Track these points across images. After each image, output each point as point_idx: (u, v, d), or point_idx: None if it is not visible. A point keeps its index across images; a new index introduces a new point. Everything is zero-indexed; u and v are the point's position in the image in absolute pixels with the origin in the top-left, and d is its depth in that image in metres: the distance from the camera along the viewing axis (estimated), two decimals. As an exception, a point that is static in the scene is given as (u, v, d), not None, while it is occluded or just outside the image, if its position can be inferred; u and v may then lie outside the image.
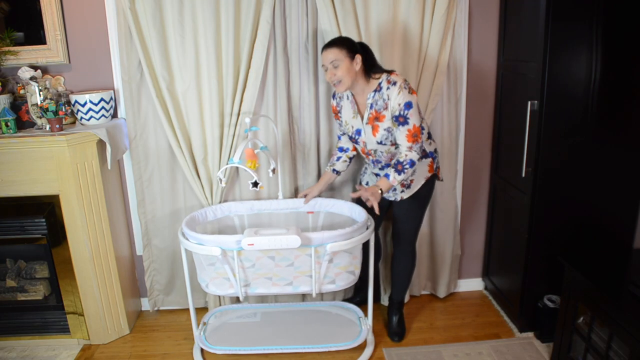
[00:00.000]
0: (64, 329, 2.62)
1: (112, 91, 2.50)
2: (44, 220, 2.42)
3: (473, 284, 3.05)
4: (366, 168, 2.50)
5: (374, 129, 2.20)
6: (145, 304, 2.94)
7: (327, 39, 2.39)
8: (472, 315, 2.79)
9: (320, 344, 2.41)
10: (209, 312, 2.71)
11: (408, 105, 2.09)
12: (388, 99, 2.12)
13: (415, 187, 2.32)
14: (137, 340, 2.67)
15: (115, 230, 2.60)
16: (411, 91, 2.12)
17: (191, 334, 2.58)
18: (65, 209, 2.39)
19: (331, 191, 2.70)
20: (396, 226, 2.46)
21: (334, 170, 2.49)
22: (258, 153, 2.42)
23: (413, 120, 2.11)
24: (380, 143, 2.22)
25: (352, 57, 2.12)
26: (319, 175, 2.67)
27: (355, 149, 2.46)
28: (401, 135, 2.14)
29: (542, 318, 2.46)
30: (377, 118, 2.18)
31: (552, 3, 2.09)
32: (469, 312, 2.83)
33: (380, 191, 2.16)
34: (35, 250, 2.61)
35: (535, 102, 2.23)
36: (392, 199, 2.37)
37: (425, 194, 2.38)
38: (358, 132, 2.28)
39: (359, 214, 2.41)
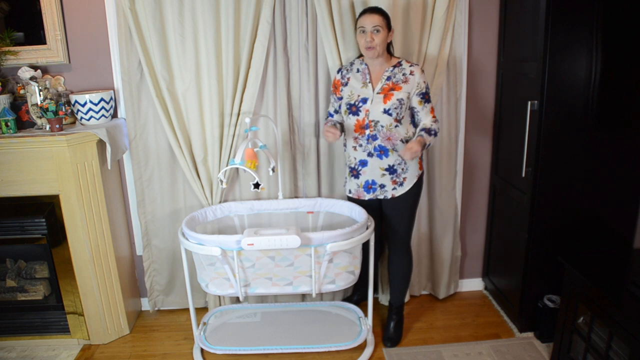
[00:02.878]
0: (64, 329, 2.62)
1: (112, 91, 2.50)
2: (44, 220, 2.42)
3: (473, 284, 3.05)
4: (346, 178, 2.45)
5: (387, 97, 2.22)
6: (145, 304, 2.94)
7: (326, 40, 2.40)
8: (472, 315, 2.79)
9: (320, 344, 2.41)
10: (209, 312, 2.71)
11: (429, 86, 2.30)
12: (410, 75, 2.23)
13: (408, 186, 2.32)
14: (137, 340, 2.67)
15: (115, 230, 2.60)
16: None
17: (191, 334, 2.58)
18: (65, 209, 2.39)
19: (330, 189, 2.70)
20: (388, 227, 2.44)
21: (341, 130, 2.34)
22: (257, 152, 2.42)
23: (432, 101, 2.32)
24: (386, 112, 2.21)
25: (389, 30, 2.22)
26: (319, 175, 2.66)
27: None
28: (427, 111, 2.28)
29: (542, 318, 2.46)
30: (393, 88, 2.23)
31: (553, 3, 2.09)
32: (469, 312, 2.83)
33: (422, 142, 2.18)
34: (35, 250, 2.62)
35: (535, 102, 2.23)
36: (381, 197, 2.36)
37: (415, 193, 2.38)
38: (364, 100, 2.26)
39: (359, 214, 2.41)
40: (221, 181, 2.33)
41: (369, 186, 2.36)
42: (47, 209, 2.40)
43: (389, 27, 2.20)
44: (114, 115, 2.58)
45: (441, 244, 2.82)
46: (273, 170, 2.43)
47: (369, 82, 2.27)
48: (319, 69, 2.52)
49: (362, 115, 2.26)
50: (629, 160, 2.21)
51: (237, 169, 2.59)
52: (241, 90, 2.46)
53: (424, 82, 2.25)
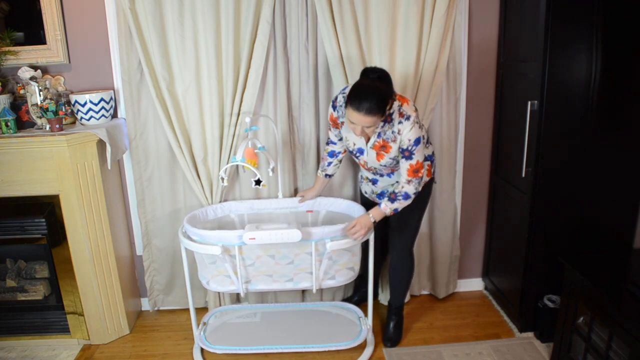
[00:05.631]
0: (64, 329, 2.62)
1: (112, 91, 2.50)
2: (44, 220, 2.42)
3: (473, 284, 3.05)
4: (362, 177, 2.48)
5: (379, 156, 2.17)
6: (145, 304, 2.94)
7: (327, 39, 2.40)
8: (472, 315, 2.79)
9: (320, 344, 2.41)
10: (209, 312, 2.71)
11: (417, 141, 2.06)
12: (399, 133, 2.06)
13: None
14: (137, 340, 2.67)
15: (115, 230, 2.60)
16: (421, 126, 2.10)
17: (191, 334, 2.58)
18: (65, 209, 2.39)
19: (330, 190, 2.70)
20: (392, 232, 2.44)
21: (326, 175, 2.49)
22: (257, 153, 2.42)
23: (417, 156, 2.08)
24: (383, 165, 2.21)
25: (384, 114, 2.01)
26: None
27: (346, 151, 2.43)
28: (403, 167, 2.12)
29: (542, 318, 2.46)
30: (384, 147, 2.13)
31: (553, 3, 2.09)
32: (469, 312, 2.83)
33: (372, 220, 2.17)
34: (35, 250, 2.61)
35: (535, 102, 2.23)
36: None
37: (421, 199, 2.35)
38: (360, 151, 2.23)
39: (358, 212, 2.42)
40: (222, 179, 2.33)
41: (382, 194, 2.38)
42: (47, 209, 2.40)
43: (382, 114, 1.97)
44: (114, 115, 2.58)
45: (441, 244, 2.82)
46: (272, 171, 2.44)
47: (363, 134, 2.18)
48: (319, 69, 2.52)
49: (360, 161, 2.29)
50: (629, 161, 2.21)
51: (237, 168, 2.59)
52: (241, 90, 2.45)
53: (409, 139, 2.04)
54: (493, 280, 2.91)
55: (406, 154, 2.08)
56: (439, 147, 2.64)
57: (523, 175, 2.37)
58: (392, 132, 2.08)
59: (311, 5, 2.42)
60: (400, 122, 2.05)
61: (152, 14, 2.33)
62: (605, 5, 2.09)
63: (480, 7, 2.57)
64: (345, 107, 2.01)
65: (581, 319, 2.08)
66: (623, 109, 2.20)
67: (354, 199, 2.67)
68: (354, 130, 2.05)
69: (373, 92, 1.94)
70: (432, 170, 2.34)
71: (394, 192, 2.15)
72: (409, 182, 2.12)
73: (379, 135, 2.13)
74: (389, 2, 2.37)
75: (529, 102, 2.26)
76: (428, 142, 2.33)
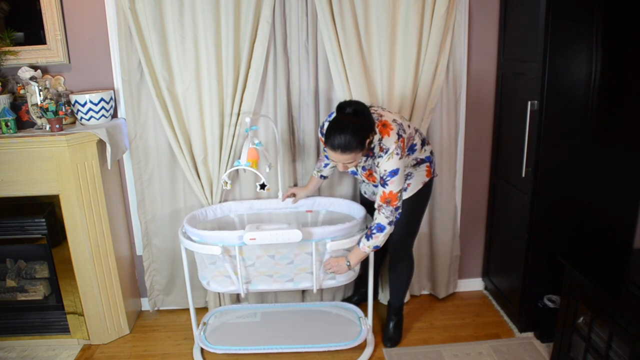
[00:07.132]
0: (64, 329, 2.62)
1: (112, 91, 2.50)
2: (44, 220, 2.42)
3: (473, 284, 3.05)
4: (362, 182, 2.49)
5: (372, 178, 2.20)
6: (145, 304, 2.94)
7: (327, 40, 2.40)
8: (472, 315, 2.79)
9: (320, 344, 2.41)
10: (209, 312, 2.71)
11: (393, 173, 2.03)
12: (377, 166, 2.07)
13: (412, 191, 2.29)
14: (137, 340, 2.67)
15: (115, 230, 2.60)
16: (402, 155, 2.04)
17: (191, 334, 2.58)
18: (65, 209, 2.39)
19: (330, 189, 2.70)
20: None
21: (321, 176, 2.49)
22: (257, 152, 2.42)
23: (391, 187, 2.04)
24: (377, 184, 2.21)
25: (363, 149, 1.99)
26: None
27: None
28: (379, 194, 2.09)
29: (542, 318, 2.46)
30: (371, 175, 2.19)
31: (552, 3, 2.09)
32: (469, 312, 2.83)
33: (347, 264, 2.18)
34: (35, 250, 2.61)
35: (535, 102, 2.23)
36: None
37: (419, 199, 2.34)
38: (353, 172, 2.28)
39: (358, 212, 2.42)
40: (226, 183, 2.33)
41: None
42: (47, 209, 2.40)
43: (361, 149, 1.96)
44: (114, 115, 2.58)
45: (441, 243, 2.82)
46: (270, 167, 2.44)
47: None
48: (319, 69, 2.52)
49: (358, 178, 2.32)
50: (629, 160, 2.21)
51: (237, 169, 2.59)
52: (241, 90, 2.46)
53: (385, 170, 2.02)
54: (493, 280, 2.91)
55: (381, 182, 2.07)
56: (439, 147, 2.64)
57: (523, 175, 2.37)
58: (375, 164, 2.09)
59: (311, 5, 2.42)
60: (380, 156, 2.05)
61: (152, 14, 2.33)
62: (605, 4, 2.09)
63: (480, 7, 2.57)
64: (325, 143, 1.99)
65: (581, 319, 2.08)
66: (623, 109, 2.20)
67: (353, 199, 2.67)
68: (337, 165, 2.07)
69: (347, 130, 1.91)
70: (432, 170, 2.33)
71: (369, 227, 2.16)
72: (379, 208, 2.09)
73: (363, 169, 2.18)
74: (389, 2, 2.37)
75: (529, 102, 2.26)
76: (426, 142, 2.32)
